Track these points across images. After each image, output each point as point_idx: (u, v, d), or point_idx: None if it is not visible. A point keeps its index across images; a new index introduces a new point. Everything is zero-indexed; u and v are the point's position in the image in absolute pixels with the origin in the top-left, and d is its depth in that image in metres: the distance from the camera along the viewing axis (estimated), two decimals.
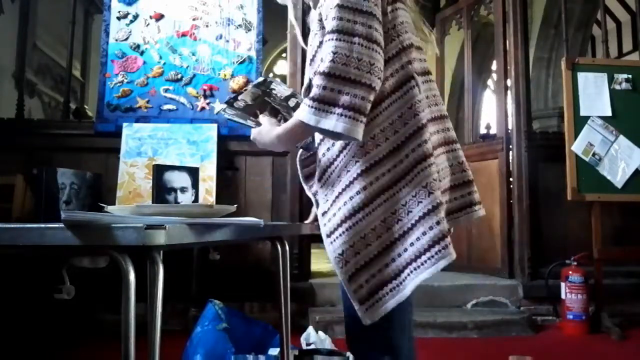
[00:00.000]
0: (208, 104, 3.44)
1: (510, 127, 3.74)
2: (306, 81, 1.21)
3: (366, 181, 1.09)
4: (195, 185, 2.82)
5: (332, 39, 1.05)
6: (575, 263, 3.22)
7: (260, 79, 1.18)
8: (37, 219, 2.64)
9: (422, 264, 1.07)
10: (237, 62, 3.48)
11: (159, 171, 2.70)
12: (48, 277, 3.09)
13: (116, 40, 3.45)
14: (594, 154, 3.27)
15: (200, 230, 0.84)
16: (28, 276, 2.84)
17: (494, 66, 6.38)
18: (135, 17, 3.48)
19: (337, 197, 1.12)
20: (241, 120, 1.24)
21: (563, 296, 3.20)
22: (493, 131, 4.09)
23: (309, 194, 1.28)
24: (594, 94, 3.34)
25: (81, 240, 0.70)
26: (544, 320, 3.44)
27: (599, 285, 3.23)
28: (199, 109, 3.43)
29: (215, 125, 3.28)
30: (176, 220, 0.82)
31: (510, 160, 3.72)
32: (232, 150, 3.41)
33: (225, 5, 3.53)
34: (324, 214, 1.14)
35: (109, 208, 1.05)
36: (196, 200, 2.85)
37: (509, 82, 3.80)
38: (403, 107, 1.12)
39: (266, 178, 3.45)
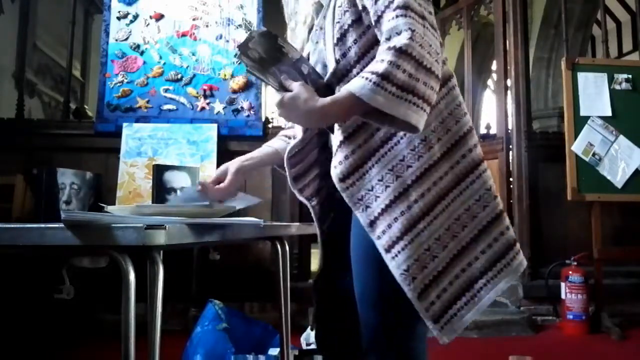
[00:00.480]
0: (208, 104, 3.44)
1: (510, 127, 3.74)
2: (331, 65, 1.04)
3: (424, 187, 1.00)
4: (195, 185, 2.81)
5: (404, 15, 0.93)
6: (575, 263, 3.22)
7: (263, 29, 1.02)
8: (37, 219, 2.64)
9: (499, 273, 1.01)
10: (237, 62, 3.48)
11: (159, 171, 2.70)
12: (48, 277, 3.10)
13: (116, 40, 3.45)
14: (594, 154, 3.27)
15: (200, 230, 0.84)
16: (28, 276, 2.84)
17: (494, 66, 6.38)
18: (135, 17, 3.48)
19: (388, 205, 0.99)
20: (262, 77, 1.01)
21: (563, 296, 3.20)
22: (493, 131, 4.09)
23: (301, 198, 1.17)
24: (594, 94, 3.34)
25: (81, 240, 0.70)
26: (544, 320, 3.44)
27: (599, 285, 3.23)
28: (199, 109, 3.43)
29: (215, 125, 3.28)
30: (176, 220, 0.82)
31: (510, 160, 3.72)
32: (232, 150, 3.41)
33: (225, 5, 3.53)
34: (371, 223, 0.99)
35: (109, 208, 1.05)
36: None
37: (509, 82, 3.80)
38: (451, 104, 1.05)
39: (266, 178, 3.45)
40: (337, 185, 1.02)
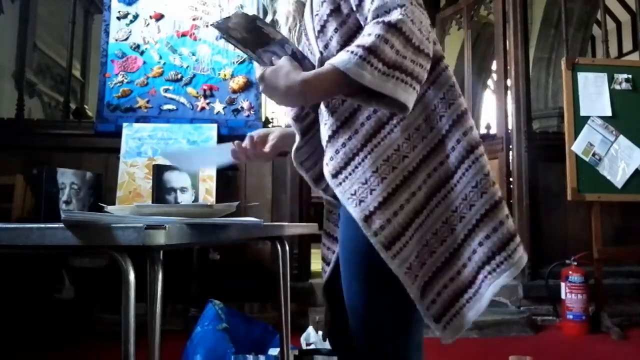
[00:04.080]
0: (208, 104, 3.44)
1: (510, 127, 3.74)
2: (315, 56, 0.99)
3: (422, 177, 0.95)
4: (195, 185, 2.82)
5: None
6: (575, 263, 3.22)
7: (240, 11, 0.97)
8: (37, 219, 2.64)
9: (498, 266, 0.95)
10: (237, 62, 3.48)
11: (159, 171, 2.71)
12: (48, 277, 3.10)
13: (116, 40, 3.45)
14: (594, 154, 3.27)
15: (200, 230, 0.84)
16: (28, 276, 2.84)
17: (494, 66, 6.38)
18: (135, 17, 3.48)
19: (387, 198, 0.92)
20: (253, 56, 0.97)
21: (563, 296, 3.20)
22: (493, 131, 4.09)
23: (328, 197, 1.11)
24: (594, 94, 3.34)
25: (81, 240, 0.70)
26: (544, 320, 3.44)
27: (599, 285, 3.23)
28: (199, 109, 3.43)
29: (215, 126, 3.28)
30: (176, 220, 0.82)
31: (510, 160, 3.72)
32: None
33: (225, 5, 3.53)
34: (370, 215, 0.91)
35: (109, 208, 1.04)
36: (196, 200, 2.85)
37: (509, 82, 3.79)
38: (444, 86, 0.99)
39: (266, 178, 3.45)
40: (330, 183, 0.96)
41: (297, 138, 1.11)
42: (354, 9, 0.95)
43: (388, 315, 0.96)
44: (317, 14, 1.00)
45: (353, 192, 0.93)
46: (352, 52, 0.85)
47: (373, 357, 0.97)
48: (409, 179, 0.93)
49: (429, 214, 0.95)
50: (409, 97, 0.87)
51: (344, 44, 0.95)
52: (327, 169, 0.97)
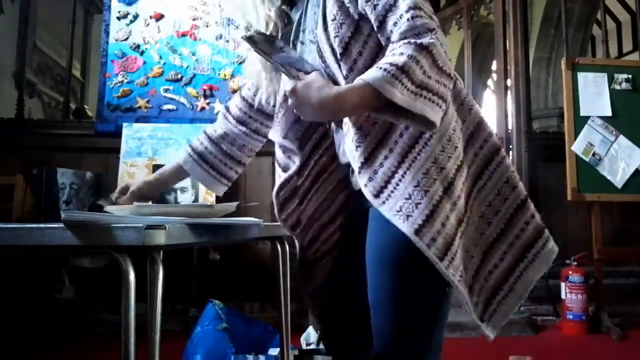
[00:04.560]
0: (208, 104, 3.44)
1: (510, 127, 3.74)
2: (341, 81, 1.00)
3: (461, 182, 0.98)
4: (195, 185, 2.82)
5: (418, 16, 0.91)
6: (575, 263, 3.21)
7: (254, 34, 0.99)
8: (37, 219, 2.64)
9: (531, 262, 1.02)
10: (237, 62, 3.48)
11: None
12: (48, 277, 3.10)
13: (116, 40, 3.45)
14: (594, 154, 3.27)
15: (200, 230, 0.84)
16: (28, 276, 2.84)
17: (494, 66, 6.38)
18: (135, 17, 3.48)
19: (433, 211, 0.94)
20: (282, 69, 0.99)
21: (563, 296, 3.20)
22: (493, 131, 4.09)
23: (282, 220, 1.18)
24: (594, 94, 3.33)
25: (81, 240, 0.70)
26: (544, 320, 3.43)
27: (599, 285, 3.23)
28: (199, 109, 3.43)
29: None
30: (176, 220, 0.82)
31: (510, 160, 3.72)
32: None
33: (226, 5, 3.53)
34: (420, 229, 0.92)
35: (109, 208, 1.04)
36: (196, 200, 2.85)
37: (509, 82, 3.79)
38: (458, 97, 1.04)
39: (266, 178, 3.45)
40: (373, 203, 0.97)
41: (295, 162, 1.15)
42: (375, 29, 0.98)
43: (415, 310, 1.00)
44: (336, 36, 1.00)
45: (398, 208, 0.94)
46: (384, 69, 0.87)
47: (393, 347, 1.01)
48: (449, 189, 0.96)
49: (468, 221, 1.00)
50: (437, 115, 0.90)
51: (369, 66, 0.96)
52: (368, 189, 0.98)
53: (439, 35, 0.91)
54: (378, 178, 0.97)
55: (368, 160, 0.98)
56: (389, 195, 0.96)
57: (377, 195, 0.97)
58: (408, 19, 0.91)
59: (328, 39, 1.01)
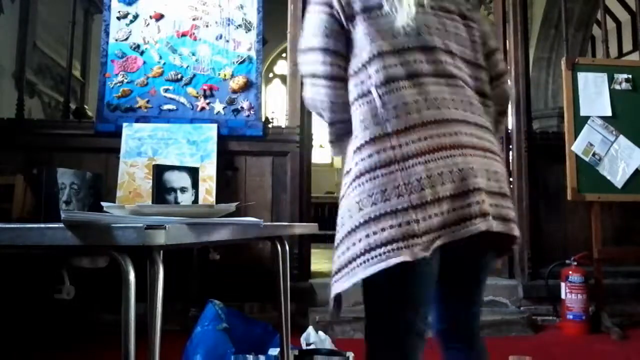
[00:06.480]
0: (208, 104, 3.44)
1: (510, 127, 3.74)
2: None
3: (357, 158, 1.12)
4: (195, 185, 2.81)
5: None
6: (575, 263, 3.22)
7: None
8: (37, 219, 2.64)
9: (373, 258, 1.05)
10: (237, 62, 3.48)
11: (158, 171, 2.70)
12: (48, 277, 3.10)
13: (116, 40, 3.45)
14: (594, 154, 3.27)
15: (200, 230, 0.84)
16: (28, 276, 2.84)
17: None
18: (135, 17, 3.48)
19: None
20: None
21: (563, 296, 3.20)
22: None
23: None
24: (594, 94, 3.34)
25: (81, 240, 0.70)
26: (544, 320, 3.44)
27: (599, 285, 3.23)
28: (199, 109, 3.43)
29: (215, 125, 3.28)
30: (176, 220, 0.82)
31: (510, 160, 3.72)
32: (232, 150, 3.41)
33: (225, 5, 3.53)
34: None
35: (106, 205, 1.04)
36: (196, 200, 2.85)
37: (509, 82, 3.79)
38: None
39: (266, 178, 3.45)
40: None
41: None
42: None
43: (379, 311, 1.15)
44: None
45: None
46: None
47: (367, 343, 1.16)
48: (360, 150, 1.14)
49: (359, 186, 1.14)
50: None
51: None
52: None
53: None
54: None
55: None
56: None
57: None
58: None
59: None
